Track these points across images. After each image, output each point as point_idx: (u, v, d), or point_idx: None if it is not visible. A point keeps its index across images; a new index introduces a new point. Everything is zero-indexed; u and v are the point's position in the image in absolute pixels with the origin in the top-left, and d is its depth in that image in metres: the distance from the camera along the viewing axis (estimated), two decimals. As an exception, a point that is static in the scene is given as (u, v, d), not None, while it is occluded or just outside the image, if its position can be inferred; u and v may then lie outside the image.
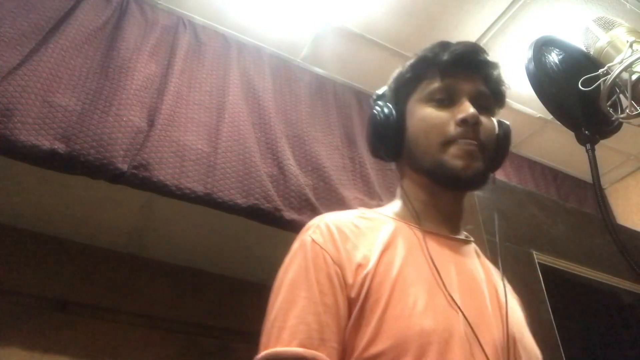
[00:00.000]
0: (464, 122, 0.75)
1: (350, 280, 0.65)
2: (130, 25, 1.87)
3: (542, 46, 0.84)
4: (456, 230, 0.81)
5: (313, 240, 0.70)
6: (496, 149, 0.80)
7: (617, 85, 0.76)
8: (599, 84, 0.77)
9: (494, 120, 0.81)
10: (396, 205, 0.83)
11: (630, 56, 0.73)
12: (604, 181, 2.85)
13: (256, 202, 1.72)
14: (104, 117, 1.61)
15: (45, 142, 1.47)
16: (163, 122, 1.70)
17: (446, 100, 0.78)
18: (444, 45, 0.82)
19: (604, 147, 2.52)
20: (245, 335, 2.60)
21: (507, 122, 0.83)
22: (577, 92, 0.79)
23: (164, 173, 1.61)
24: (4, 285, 2.14)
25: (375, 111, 0.85)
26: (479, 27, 2.08)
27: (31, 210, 2.21)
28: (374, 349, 0.60)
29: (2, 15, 1.60)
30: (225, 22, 2.10)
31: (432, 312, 0.63)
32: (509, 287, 0.80)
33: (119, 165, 1.55)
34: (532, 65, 0.80)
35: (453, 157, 0.74)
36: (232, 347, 2.55)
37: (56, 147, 1.48)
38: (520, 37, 2.07)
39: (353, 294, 0.64)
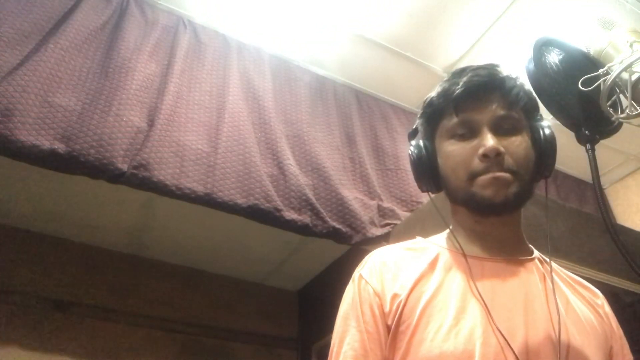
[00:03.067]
0: (485, 157, 0.75)
1: (387, 308, 0.74)
2: (130, 25, 1.87)
3: (542, 46, 0.84)
4: (510, 252, 0.80)
5: (360, 275, 0.80)
6: (540, 157, 0.79)
7: (617, 85, 0.76)
8: (599, 84, 0.77)
9: (524, 136, 0.78)
10: (446, 233, 0.85)
11: (630, 56, 0.73)
12: (604, 181, 2.85)
13: (256, 202, 1.72)
14: (104, 117, 1.61)
15: (45, 142, 1.47)
16: (163, 122, 1.70)
17: (467, 134, 0.78)
18: (459, 74, 0.81)
19: (604, 147, 2.52)
20: (245, 335, 2.60)
21: (549, 129, 0.80)
22: (577, 92, 0.79)
23: (164, 173, 1.61)
24: (4, 285, 2.14)
25: (409, 151, 0.86)
26: (479, 27, 2.08)
27: (31, 210, 2.21)
28: None
29: (2, 15, 1.60)
30: (225, 22, 2.10)
31: (454, 335, 0.68)
32: (604, 312, 0.80)
33: (119, 165, 1.55)
34: (532, 65, 0.80)
35: (481, 188, 0.75)
36: (232, 347, 2.55)
37: (56, 147, 1.48)
38: (520, 37, 2.07)
39: (389, 321, 0.73)
